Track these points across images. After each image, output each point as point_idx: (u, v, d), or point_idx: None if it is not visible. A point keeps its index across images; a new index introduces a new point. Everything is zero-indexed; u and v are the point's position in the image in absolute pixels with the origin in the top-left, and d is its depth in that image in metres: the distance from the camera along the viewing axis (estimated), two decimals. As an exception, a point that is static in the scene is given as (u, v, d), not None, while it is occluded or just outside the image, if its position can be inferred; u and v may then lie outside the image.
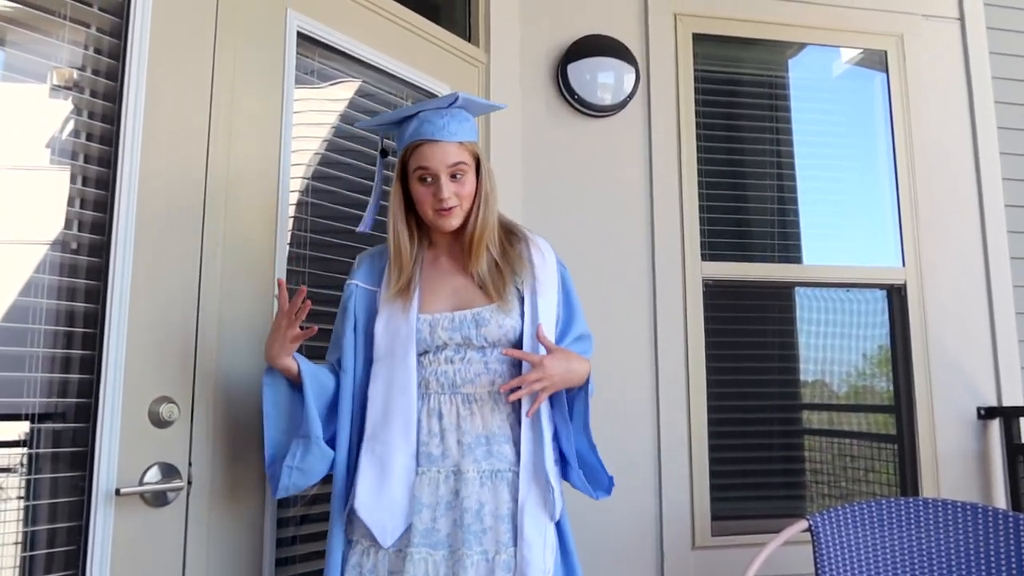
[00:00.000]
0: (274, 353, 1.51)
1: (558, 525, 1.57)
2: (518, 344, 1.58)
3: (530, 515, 1.50)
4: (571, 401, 1.58)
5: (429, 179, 1.56)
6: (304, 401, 1.51)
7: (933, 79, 2.88)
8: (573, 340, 1.66)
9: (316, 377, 1.55)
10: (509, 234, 1.67)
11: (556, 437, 1.59)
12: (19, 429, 1.40)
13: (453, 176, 1.56)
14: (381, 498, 1.49)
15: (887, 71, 2.86)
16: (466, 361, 1.56)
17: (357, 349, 1.60)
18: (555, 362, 1.51)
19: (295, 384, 1.55)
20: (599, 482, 1.62)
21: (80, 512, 1.42)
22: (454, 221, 1.58)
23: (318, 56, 1.98)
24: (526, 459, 1.53)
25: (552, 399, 1.57)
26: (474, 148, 1.61)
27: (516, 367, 1.57)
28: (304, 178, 1.94)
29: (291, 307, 1.47)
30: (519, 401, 1.54)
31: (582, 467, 1.60)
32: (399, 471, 1.51)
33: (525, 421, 1.54)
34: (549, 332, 1.59)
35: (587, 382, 1.56)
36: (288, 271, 1.81)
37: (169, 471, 1.52)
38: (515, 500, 1.51)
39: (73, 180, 1.50)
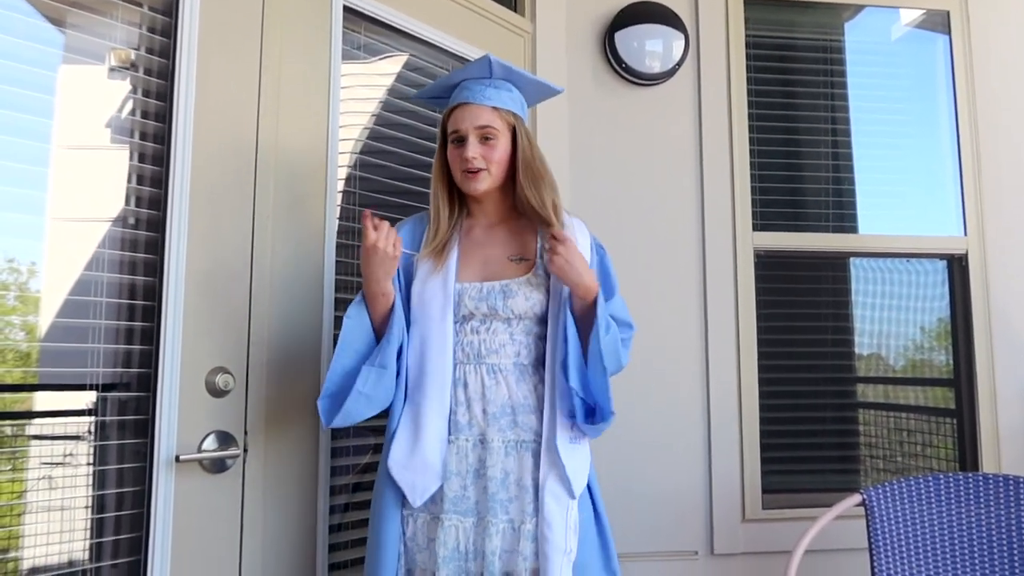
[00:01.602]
0: (382, 275, 1.53)
1: (594, 506, 1.58)
2: (543, 319, 1.59)
3: (551, 491, 1.51)
4: (586, 335, 1.55)
5: (459, 141, 1.59)
6: (389, 332, 1.54)
7: (999, 40, 2.75)
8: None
9: (399, 315, 1.57)
10: None
11: (577, 393, 1.54)
12: (87, 398, 1.46)
13: (484, 139, 1.58)
14: (413, 459, 1.52)
15: (949, 33, 2.75)
16: (491, 332, 1.58)
17: (403, 312, 1.61)
18: (576, 253, 1.52)
19: (373, 320, 1.57)
20: (600, 411, 1.55)
21: (144, 478, 1.49)
22: (480, 185, 1.59)
23: (364, 30, 1.99)
24: (547, 434, 1.53)
25: (566, 327, 1.54)
26: (510, 117, 1.61)
27: (541, 340, 1.59)
28: (353, 153, 1.96)
29: (386, 230, 1.50)
30: (543, 372, 1.56)
31: (586, 395, 1.55)
32: (432, 434, 1.53)
33: (547, 396, 1.55)
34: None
35: (596, 307, 1.52)
36: (338, 244, 1.84)
37: (226, 439, 1.58)
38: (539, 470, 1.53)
39: (131, 157, 1.55)
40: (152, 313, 1.52)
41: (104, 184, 1.51)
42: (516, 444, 1.54)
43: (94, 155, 1.51)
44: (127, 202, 1.54)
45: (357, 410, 1.51)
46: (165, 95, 1.57)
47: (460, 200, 1.67)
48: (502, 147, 1.60)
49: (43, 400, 1.48)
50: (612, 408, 1.52)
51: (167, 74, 1.57)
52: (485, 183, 1.60)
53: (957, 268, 2.67)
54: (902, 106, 2.78)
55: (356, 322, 1.56)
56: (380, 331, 1.57)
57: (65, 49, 1.47)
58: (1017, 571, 1.98)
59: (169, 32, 1.58)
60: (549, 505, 1.50)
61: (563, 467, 1.51)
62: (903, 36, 2.84)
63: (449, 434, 1.55)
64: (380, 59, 2.07)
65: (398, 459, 1.53)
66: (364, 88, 2.02)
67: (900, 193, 2.74)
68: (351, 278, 1.90)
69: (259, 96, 1.70)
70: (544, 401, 1.56)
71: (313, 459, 1.74)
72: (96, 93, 1.52)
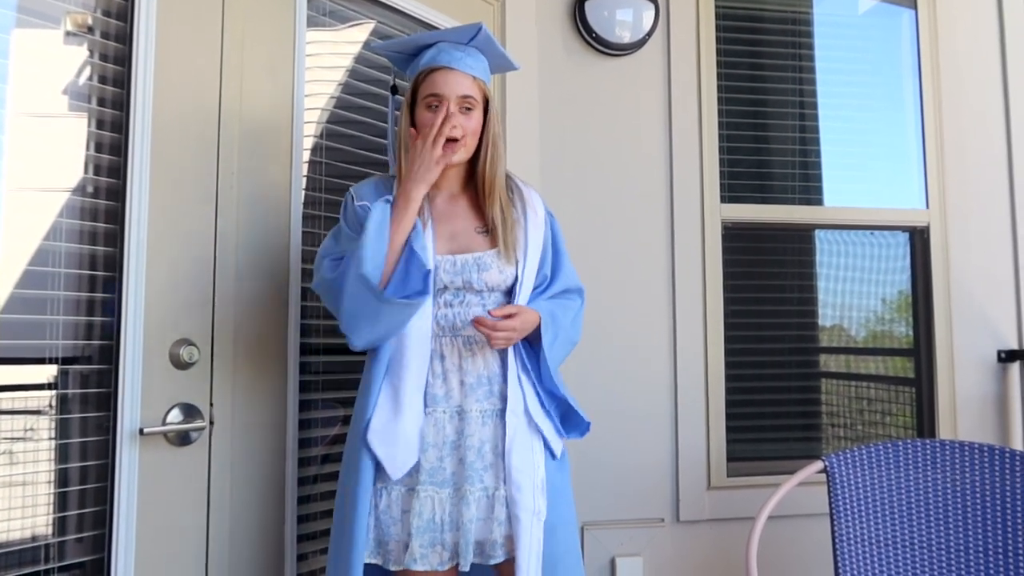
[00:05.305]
0: (419, 177, 1.51)
1: (558, 464, 1.60)
2: (512, 291, 1.59)
3: (518, 455, 1.53)
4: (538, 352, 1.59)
5: (437, 106, 1.56)
6: (421, 256, 1.51)
7: (963, 14, 2.78)
8: (558, 293, 1.67)
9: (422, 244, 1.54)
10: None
11: (540, 380, 1.61)
12: (47, 372, 1.43)
13: (464, 109, 1.56)
14: (394, 431, 1.51)
15: (915, 7, 2.77)
16: (465, 304, 1.57)
17: None
18: (513, 325, 1.52)
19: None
20: (575, 423, 1.65)
21: (107, 451, 1.47)
22: (456, 156, 1.57)
23: (331, -5, 1.95)
24: (512, 401, 1.55)
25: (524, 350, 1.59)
26: (485, 88, 1.60)
27: None
28: (320, 122, 1.93)
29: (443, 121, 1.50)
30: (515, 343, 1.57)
31: (557, 408, 1.63)
32: (411, 407, 1.52)
33: (511, 366, 1.56)
34: (530, 287, 1.61)
35: (539, 331, 1.56)
36: (304, 215, 1.82)
37: (191, 411, 1.56)
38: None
39: (90, 124, 1.51)
40: (113, 284, 1.49)
41: (62, 152, 1.47)
42: (492, 413, 1.55)
43: (51, 122, 1.47)
44: (86, 170, 1.50)
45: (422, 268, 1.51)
46: (124, 60, 1.52)
47: None
48: (476, 119, 1.58)
49: (2, 374, 1.45)
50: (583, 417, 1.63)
51: (126, 38, 1.52)
52: (460, 154, 1.58)
53: (919, 241, 2.72)
54: (868, 79, 2.80)
55: (383, 221, 1.50)
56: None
57: (19, 11, 1.42)
58: (970, 533, 2.05)
59: (127, -6, 1.53)
60: (515, 471, 1.51)
61: (540, 431, 1.55)
62: (870, 9, 2.85)
63: (426, 407, 1.54)
64: (348, 26, 2.03)
65: (378, 431, 1.51)
66: (331, 56, 1.98)
67: (865, 166, 2.78)
68: (317, 249, 1.87)
69: (222, 62, 1.66)
70: (508, 368, 1.57)
71: (281, 431, 1.73)
72: (52, 58, 1.47)
